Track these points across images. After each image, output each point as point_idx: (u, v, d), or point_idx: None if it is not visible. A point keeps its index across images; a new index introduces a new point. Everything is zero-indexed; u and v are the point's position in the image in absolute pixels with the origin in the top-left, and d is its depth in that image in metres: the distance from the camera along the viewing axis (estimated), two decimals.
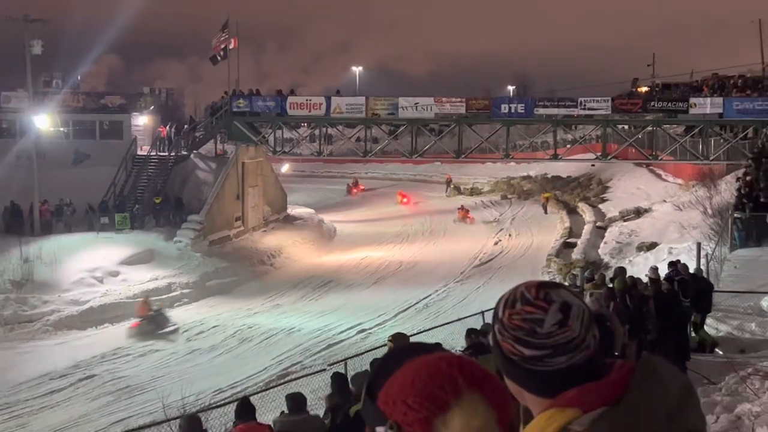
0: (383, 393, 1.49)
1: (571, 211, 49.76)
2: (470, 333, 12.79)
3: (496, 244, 43.25)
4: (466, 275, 36.77)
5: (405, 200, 60.17)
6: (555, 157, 43.10)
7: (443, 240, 45.70)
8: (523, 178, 61.26)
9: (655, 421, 1.64)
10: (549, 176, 59.33)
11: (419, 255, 41.84)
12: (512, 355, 1.75)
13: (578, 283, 23.32)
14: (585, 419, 1.67)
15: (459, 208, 52.48)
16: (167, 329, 28.18)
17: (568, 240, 41.79)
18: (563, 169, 56.83)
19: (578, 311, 1.76)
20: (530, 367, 1.74)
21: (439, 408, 1.44)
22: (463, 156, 43.10)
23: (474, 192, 62.09)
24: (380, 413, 1.49)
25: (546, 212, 51.71)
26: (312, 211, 51.34)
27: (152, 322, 28.38)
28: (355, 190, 66.15)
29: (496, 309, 1.81)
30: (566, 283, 22.69)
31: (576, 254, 37.60)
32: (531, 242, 42.90)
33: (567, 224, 45.78)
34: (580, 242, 40.15)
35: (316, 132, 45.19)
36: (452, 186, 63.32)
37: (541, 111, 40.42)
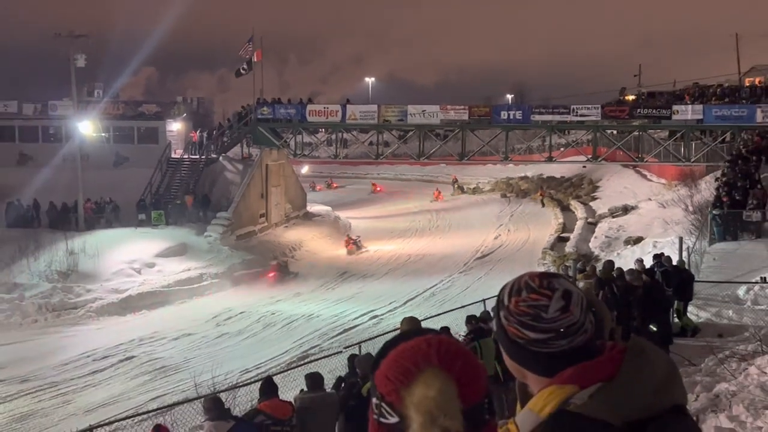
0: (378, 370, 1.53)
1: (565, 209, 49.60)
2: (470, 319, 12.77)
3: (496, 238, 43.15)
4: (469, 266, 36.76)
5: (378, 189, 64.45)
6: (550, 159, 43.00)
7: (448, 235, 45.67)
8: (521, 178, 61.08)
9: (645, 395, 1.68)
10: (544, 176, 59.18)
11: (426, 248, 41.88)
12: (518, 338, 1.78)
13: (571, 273, 23.43)
14: (583, 394, 1.71)
15: (435, 191, 59.11)
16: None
17: (561, 235, 41.63)
18: (557, 170, 56.78)
19: (578, 298, 1.78)
20: (534, 349, 1.76)
21: (407, 380, 1.47)
22: (466, 158, 43.07)
23: (476, 191, 61.95)
24: (375, 386, 1.53)
25: (543, 205, 51.79)
26: (329, 208, 51.45)
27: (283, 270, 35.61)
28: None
29: (500, 297, 1.83)
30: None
31: (569, 248, 37.47)
32: (528, 237, 42.80)
33: (561, 220, 45.63)
34: (573, 237, 40.01)
35: (333, 137, 45.58)
36: (456, 185, 63.31)
37: (537, 117, 40.41)
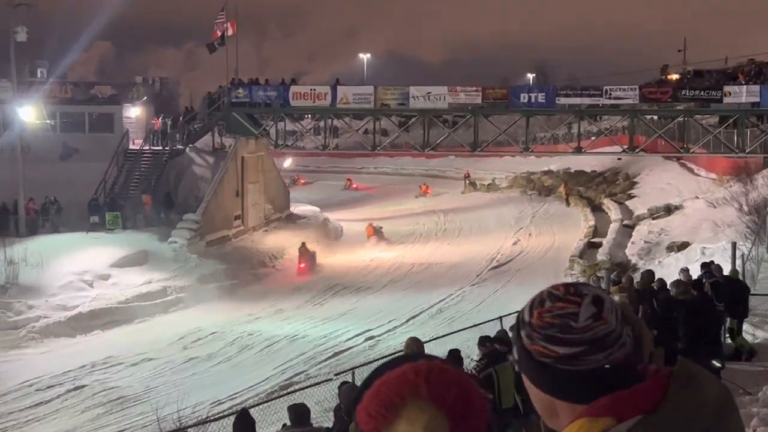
0: (360, 404, 1.52)
1: (596, 209, 49.79)
2: (484, 341, 12.70)
3: (514, 244, 43.47)
4: (482, 278, 37.02)
5: (354, 185, 66.35)
6: (578, 150, 43.25)
7: (458, 240, 46.04)
8: (544, 173, 61.33)
9: (694, 430, 1.65)
10: (572, 171, 59.42)
11: (432, 256, 42.21)
12: (545, 357, 1.74)
13: (603, 285, 23.34)
14: (621, 428, 1.66)
15: (421, 185, 62.00)
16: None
17: (592, 240, 41.83)
18: (587, 163, 56.92)
19: (611, 305, 1.77)
20: (565, 367, 1.73)
21: (390, 416, 1.46)
22: (479, 149, 43.38)
23: (491, 188, 62.21)
24: (356, 423, 1.52)
25: (568, 204, 52.06)
26: (316, 209, 51.64)
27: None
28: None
29: (521, 315, 1.81)
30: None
31: (601, 255, 37.61)
32: (552, 242, 43.08)
33: (591, 223, 45.80)
34: (606, 242, 40.14)
35: (321, 124, 45.52)
36: (468, 182, 63.59)
37: (563, 101, 40.60)
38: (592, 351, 1.71)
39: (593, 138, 46.81)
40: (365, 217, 53.03)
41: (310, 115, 45.58)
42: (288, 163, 60.53)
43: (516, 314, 1.87)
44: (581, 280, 33.16)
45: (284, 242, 42.93)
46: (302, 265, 39.63)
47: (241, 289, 36.00)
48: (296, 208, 50.09)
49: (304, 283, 37.37)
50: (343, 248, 45.13)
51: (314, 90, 42.16)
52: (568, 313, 1.73)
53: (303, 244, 40.67)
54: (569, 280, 33.37)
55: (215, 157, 43.59)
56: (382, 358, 18.22)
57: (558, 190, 55.62)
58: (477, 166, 65.27)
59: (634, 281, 17.78)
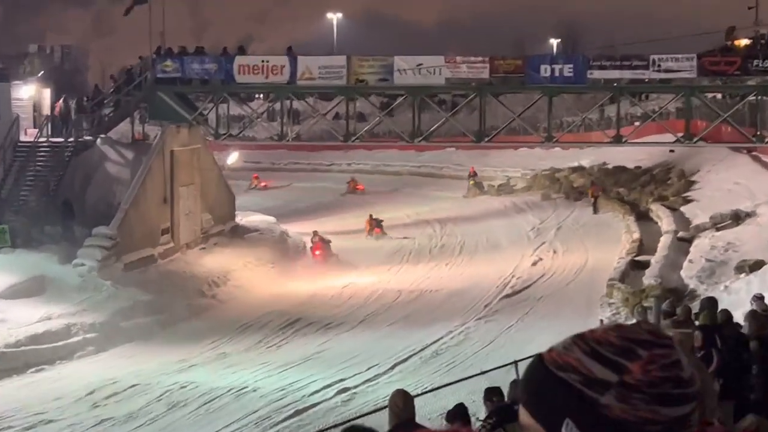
0: None
1: (642, 217, 49.86)
2: (491, 394, 12.74)
3: (534, 264, 43.71)
4: (492, 309, 37.04)
5: (263, 184, 68.41)
6: (618, 140, 43.35)
7: (459, 260, 46.23)
8: (573, 169, 61.45)
9: None
10: (609, 167, 59.55)
11: (425, 281, 42.35)
12: (650, 424, 1.77)
13: (652, 318, 23.36)
14: None
15: (348, 181, 65.94)
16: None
17: (637, 258, 41.83)
18: (630, 156, 57.06)
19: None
20: None
21: None
22: (486, 139, 43.44)
23: (503, 190, 62.29)
24: None
25: (595, 211, 52.48)
26: (272, 219, 51.67)
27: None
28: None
29: (593, 375, 1.81)
30: (634, 320, 22.78)
31: (649, 278, 37.43)
32: (584, 261, 43.27)
33: (636, 235, 45.82)
34: (655, 261, 40.05)
35: (277, 107, 45.89)
36: (472, 182, 63.79)
37: (597, 74, 40.86)
38: (698, 408, 1.79)
39: (637, 124, 46.76)
40: (337, 229, 53.07)
41: (261, 95, 45.76)
42: (233, 158, 60.18)
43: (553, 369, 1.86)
44: (623, 310, 33.81)
45: (228, 264, 42.90)
46: (318, 252, 45.67)
47: (171, 327, 35.94)
48: (244, 219, 49.99)
49: (258, 315, 37.24)
50: (307, 271, 45.10)
51: (267, 62, 42.24)
52: (673, 362, 1.80)
53: (315, 232, 47.10)
54: (608, 311, 33.85)
55: (135, 152, 43.43)
56: (360, 416, 18.17)
57: (589, 189, 55.65)
58: (484, 162, 65.48)
59: (693, 313, 17.93)
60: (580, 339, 1.86)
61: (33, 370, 30.86)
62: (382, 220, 52.43)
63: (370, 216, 52.72)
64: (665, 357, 1.78)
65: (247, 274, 42.66)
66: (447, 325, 34.67)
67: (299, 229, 52.27)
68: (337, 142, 49.75)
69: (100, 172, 42.59)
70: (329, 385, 28.28)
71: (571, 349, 1.85)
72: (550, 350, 1.93)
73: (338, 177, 72.05)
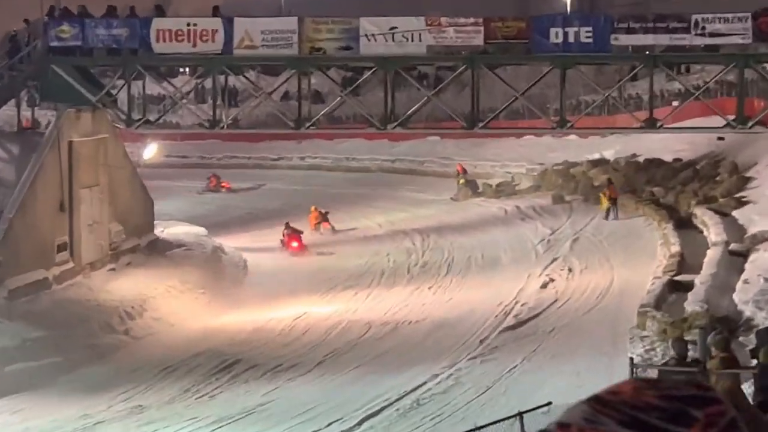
0: None
1: (683, 224, 49.42)
2: None
3: (544, 286, 43.43)
4: (489, 346, 36.52)
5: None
6: (651, 124, 43.46)
7: (446, 282, 45.93)
8: (593, 163, 61.20)
9: None
10: (640, 159, 59.49)
11: (403, 309, 41.94)
12: None
13: (699, 356, 23.56)
14: None
15: (209, 177, 68.22)
16: None
17: (677, 278, 41.49)
18: (667, 146, 57.11)
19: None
20: None
21: None
22: (480, 125, 43.50)
23: (502, 191, 62.07)
24: None
25: (607, 216, 53.06)
26: (201, 231, 51.63)
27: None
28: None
29: None
30: (670, 359, 23.45)
31: (692, 304, 36.66)
32: (609, 282, 42.98)
33: (675, 248, 45.40)
34: (700, 281, 39.56)
35: (208, 84, 45.41)
36: (462, 181, 63.29)
37: (624, 40, 41.20)
38: None
39: (675, 104, 46.60)
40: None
41: (187, 69, 45.49)
42: (151, 152, 59.87)
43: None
44: (659, 346, 32.88)
45: (146, 289, 42.65)
46: (295, 244, 51.37)
47: (71, 373, 35.43)
48: (166, 231, 49.87)
49: (189, 355, 37.09)
50: (249, 298, 45.03)
51: (195, 25, 42.19)
52: (730, 422, 1.91)
53: (287, 224, 53.04)
54: (640, 346, 33.14)
55: (22, 144, 43.28)
56: None
57: (604, 195, 54.89)
58: (477, 155, 65.39)
59: (748, 349, 18.75)
60: (604, 405, 1.91)
61: None
62: (328, 212, 56.89)
63: (315, 208, 56.31)
64: (721, 415, 1.86)
65: (171, 303, 42.37)
66: (431, 366, 33.99)
67: (236, 243, 52.08)
68: (286, 129, 49.52)
69: None
70: None
71: (599, 421, 1.89)
72: (565, 425, 1.96)
73: (289, 175, 71.82)
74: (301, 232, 53.15)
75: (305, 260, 51.15)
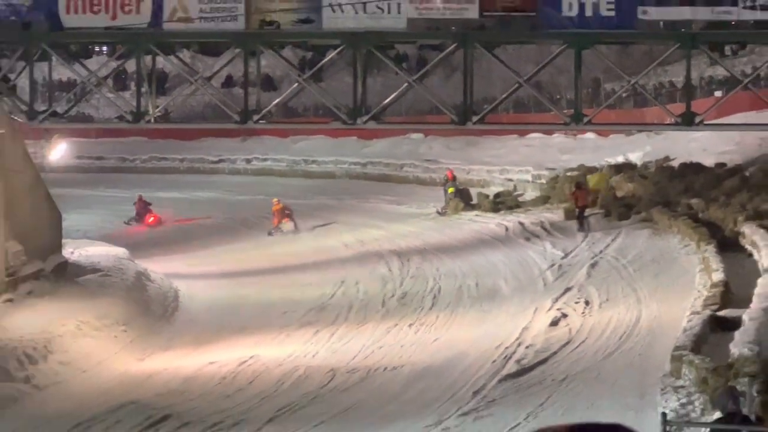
0: None
1: (728, 245, 49.00)
2: None
3: (555, 324, 42.42)
4: (485, 398, 35.14)
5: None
6: (687, 120, 44.29)
7: (432, 317, 45.06)
8: (616, 168, 61.59)
9: None
10: (674, 163, 59.45)
11: (376, 352, 41.16)
12: None
13: (748, 410, 23.01)
14: None
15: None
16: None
17: (720, 313, 40.79)
18: (708, 147, 57.54)
19: None
20: None
21: None
22: (475, 119, 44.79)
23: (502, 202, 62.59)
24: None
25: (581, 228, 54.18)
26: (122, 252, 51.65)
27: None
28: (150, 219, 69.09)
29: None
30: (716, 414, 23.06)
31: (739, 346, 35.69)
32: (635, 319, 42.16)
33: (718, 276, 44.68)
34: (749, 318, 38.76)
35: (131, 67, 46.33)
36: (452, 191, 63.99)
37: (654, 14, 42.92)
38: None
39: (719, 94, 46.30)
40: (230, 268, 54.19)
41: (105, 48, 44.65)
42: (59, 152, 61.59)
43: None
44: (698, 398, 32.45)
45: (51, 325, 41.47)
46: (152, 220, 57.72)
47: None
48: (78, 251, 49.60)
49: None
50: (182, 337, 44.55)
51: None
52: None
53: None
54: (674, 400, 33.02)
55: None
56: None
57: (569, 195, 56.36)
58: (471, 157, 66.45)
59: None
60: None
61: None
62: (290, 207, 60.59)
63: (278, 201, 60.17)
64: None
65: (83, 343, 41.45)
66: (412, 425, 33.05)
67: (166, 269, 52.26)
68: (229, 124, 50.45)
69: None
70: None
71: None
72: None
73: (232, 182, 74.22)
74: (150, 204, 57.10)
75: (252, 291, 51.27)
